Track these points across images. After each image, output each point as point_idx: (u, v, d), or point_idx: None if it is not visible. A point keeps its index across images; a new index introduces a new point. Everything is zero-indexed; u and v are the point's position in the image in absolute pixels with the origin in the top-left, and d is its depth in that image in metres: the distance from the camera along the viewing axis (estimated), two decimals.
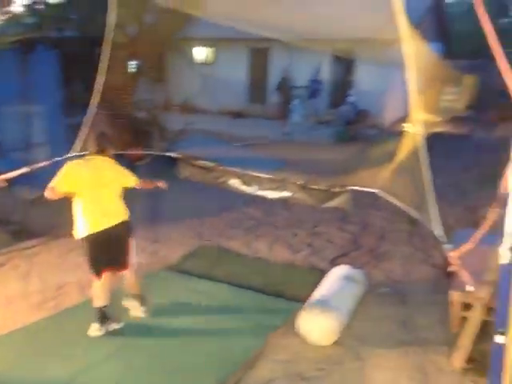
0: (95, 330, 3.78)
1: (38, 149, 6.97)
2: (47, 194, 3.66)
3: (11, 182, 5.59)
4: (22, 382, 3.27)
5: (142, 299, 4.07)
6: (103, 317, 3.80)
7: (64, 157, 5.65)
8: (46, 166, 5.44)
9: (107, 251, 3.82)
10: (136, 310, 4.06)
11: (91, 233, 3.75)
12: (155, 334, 3.89)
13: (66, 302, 4.38)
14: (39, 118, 7.14)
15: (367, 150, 8.76)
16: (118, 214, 3.91)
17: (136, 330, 3.93)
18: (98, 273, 3.82)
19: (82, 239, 3.81)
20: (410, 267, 5.20)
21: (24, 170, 5.30)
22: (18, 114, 7.15)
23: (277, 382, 3.35)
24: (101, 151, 3.87)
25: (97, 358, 3.52)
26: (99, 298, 3.82)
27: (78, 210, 3.80)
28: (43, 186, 6.92)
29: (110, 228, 3.79)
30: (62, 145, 6.99)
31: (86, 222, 3.76)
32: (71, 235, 5.81)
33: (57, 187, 3.68)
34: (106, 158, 3.94)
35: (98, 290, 3.82)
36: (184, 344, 3.74)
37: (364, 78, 13.52)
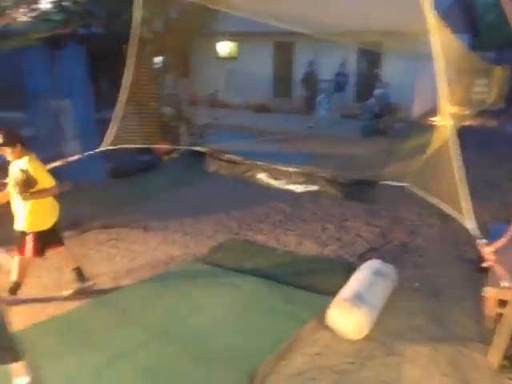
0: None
1: (69, 143, 7.11)
2: (58, 190, 4.10)
3: None
4: (57, 368, 3.32)
5: (80, 271, 4.43)
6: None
7: (93, 151, 5.76)
8: (77, 160, 5.56)
9: (53, 234, 4.26)
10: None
11: (52, 223, 4.20)
12: (184, 324, 3.92)
13: (100, 291, 4.47)
14: (70, 113, 7.29)
15: (395, 144, 8.63)
16: None
17: (166, 320, 3.98)
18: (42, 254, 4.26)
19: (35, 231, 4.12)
20: (442, 262, 5.12)
21: (56, 163, 5.42)
22: (50, 108, 7.30)
23: (308, 374, 3.34)
24: (7, 145, 3.98)
25: (128, 346, 3.57)
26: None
27: (39, 204, 4.07)
28: (73, 180, 7.06)
29: None
30: (92, 139, 7.13)
31: (49, 215, 4.19)
32: (103, 227, 5.98)
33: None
34: None
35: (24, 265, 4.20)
36: (212, 335, 3.75)
37: (391, 70, 13.32)
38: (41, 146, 7.83)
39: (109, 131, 5.61)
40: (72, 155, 5.58)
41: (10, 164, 4.12)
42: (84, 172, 6.94)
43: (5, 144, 3.95)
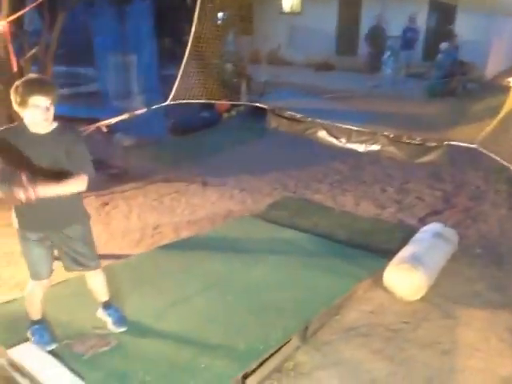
0: None
1: (135, 97, 7.34)
2: None
3: (112, 128, 5.98)
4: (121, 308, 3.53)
5: None
6: None
7: (159, 105, 5.91)
8: (143, 114, 5.73)
9: None
10: None
11: None
12: (240, 276, 3.99)
13: (162, 240, 4.67)
14: (136, 68, 7.47)
15: (466, 105, 8.17)
16: None
17: (223, 271, 4.08)
18: None
19: None
20: (507, 229, 4.91)
21: (123, 116, 5.63)
22: (117, 63, 7.52)
23: (361, 330, 3.38)
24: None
25: (187, 293, 3.70)
26: None
27: None
28: (139, 134, 7.31)
29: None
30: (156, 94, 7.31)
31: None
32: (165, 181, 6.20)
33: None
34: None
35: None
36: (266, 288, 3.79)
37: (465, 27, 12.45)
38: (107, 100, 8.16)
39: (175, 86, 5.71)
40: (137, 109, 5.77)
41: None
42: (146, 127, 7.16)
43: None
